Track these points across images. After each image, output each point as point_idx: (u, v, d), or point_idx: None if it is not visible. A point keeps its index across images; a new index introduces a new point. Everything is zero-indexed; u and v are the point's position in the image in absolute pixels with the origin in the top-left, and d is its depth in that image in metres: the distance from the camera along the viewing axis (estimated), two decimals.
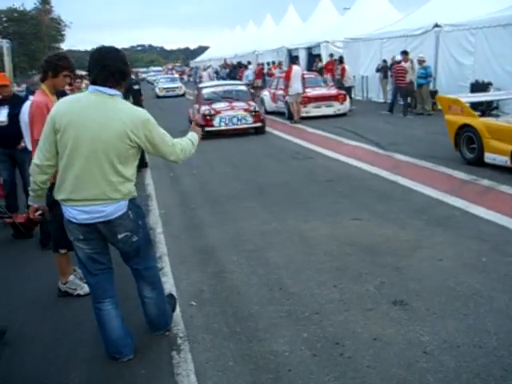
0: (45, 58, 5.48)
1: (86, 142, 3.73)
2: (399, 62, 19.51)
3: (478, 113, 14.09)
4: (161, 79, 43.67)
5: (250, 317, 4.70)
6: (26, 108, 5.99)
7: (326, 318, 4.60)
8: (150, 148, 3.91)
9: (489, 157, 9.69)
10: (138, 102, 11.98)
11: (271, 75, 27.94)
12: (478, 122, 10.08)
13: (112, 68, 3.82)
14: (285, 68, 26.73)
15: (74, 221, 3.88)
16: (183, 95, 38.75)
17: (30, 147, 5.72)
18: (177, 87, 39.73)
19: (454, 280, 5.19)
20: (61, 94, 6.60)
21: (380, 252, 6.03)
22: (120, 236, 3.97)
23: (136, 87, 13.48)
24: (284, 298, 5.03)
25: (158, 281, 4.47)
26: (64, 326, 4.81)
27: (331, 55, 23.11)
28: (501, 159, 9.41)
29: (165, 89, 39.22)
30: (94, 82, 3.86)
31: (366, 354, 4.00)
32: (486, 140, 9.74)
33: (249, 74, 26.66)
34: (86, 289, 5.40)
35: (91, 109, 3.79)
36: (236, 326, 4.56)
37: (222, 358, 4.08)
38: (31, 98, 5.78)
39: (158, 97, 38.13)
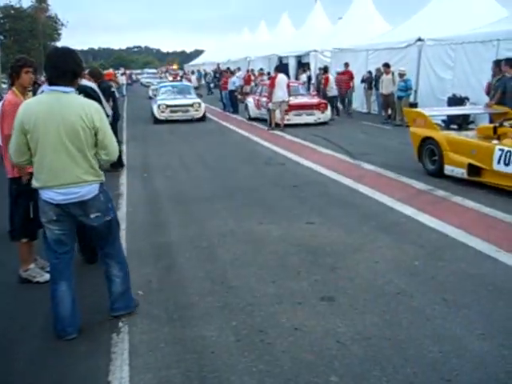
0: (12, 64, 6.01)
1: (53, 136, 4.29)
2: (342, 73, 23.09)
3: (455, 126, 14.63)
4: (162, 88, 25.33)
5: (189, 306, 5.15)
6: None
7: (258, 309, 5.04)
8: (100, 136, 4.41)
9: (448, 169, 10.14)
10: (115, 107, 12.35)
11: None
12: (439, 135, 10.54)
13: (65, 68, 4.38)
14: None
15: (52, 201, 4.40)
16: (203, 119, 22.79)
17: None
18: (192, 104, 22.61)
19: (382, 280, 5.64)
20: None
21: (322, 253, 6.47)
22: (92, 216, 4.53)
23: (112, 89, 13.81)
24: (223, 290, 5.48)
25: (124, 262, 5.00)
26: (20, 309, 5.27)
27: (346, 64, 23.50)
28: (458, 171, 9.86)
29: (170, 107, 22.29)
30: (49, 82, 4.43)
31: (284, 341, 4.44)
32: (445, 152, 10.19)
33: (235, 80, 26.94)
34: (45, 276, 5.85)
35: (52, 106, 4.33)
36: (174, 313, 5.00)
37: (155, 340, 4.53)
38: None
39: (157, 121, 22.13)
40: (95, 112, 4.40)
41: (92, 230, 4.68)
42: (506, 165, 8.82)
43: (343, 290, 5.40)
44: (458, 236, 7.00)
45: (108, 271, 4.87)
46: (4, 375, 4.15)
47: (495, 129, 9.51)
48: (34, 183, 4.50)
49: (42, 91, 4.79)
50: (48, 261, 4.75)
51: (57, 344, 4.56)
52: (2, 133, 5.87)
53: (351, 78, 23.11)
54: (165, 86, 25.88)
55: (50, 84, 4.41)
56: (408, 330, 4.60)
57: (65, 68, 4.36)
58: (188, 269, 6.13)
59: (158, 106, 22.36)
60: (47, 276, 5.83)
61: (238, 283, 5.65)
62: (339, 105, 23.36)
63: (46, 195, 4.41)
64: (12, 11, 67.83)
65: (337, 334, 4.54)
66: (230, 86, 26.41)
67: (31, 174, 5.70)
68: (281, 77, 19.14)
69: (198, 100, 23.17)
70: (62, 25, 74.25)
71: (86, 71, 10.14)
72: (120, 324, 4.81)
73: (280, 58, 34.82)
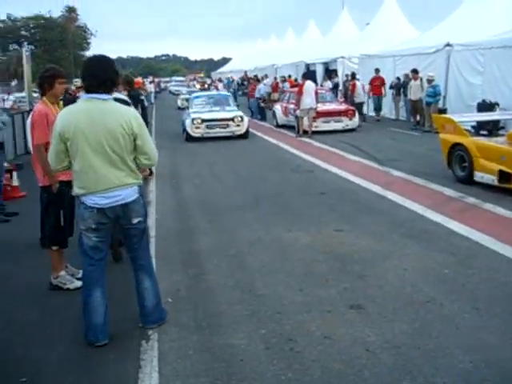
0: (40, 76, 6.12)
1: (93, 143, 4.40)
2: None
3: (485, 132, 14.49)
4: (195, 99, 21.36)
5: (217, 314, 5.16)
6: None
7: (286, 317, 5.03)
8: (139, 142, 4.51)
9: (478, 175, 10.04)
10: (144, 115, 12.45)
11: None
12: (469, 141, 10.44)
13: (103, 77, 4.49)
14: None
15: (97, 206, 4.49)
16: (245, 136, 19.22)
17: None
18: (232, 118, 19.08)
19: (412, 288, 5.60)
20: (71, 101, 7.20)
21: (350, 261, 6.45)
22: (134, 221, 4.65)
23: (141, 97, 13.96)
24: (252, 298, 5.49)
25: (153, 271, 5.07)
26: (50, 315, 5.34)
27: (377, 70, 23.43)
28: (488, 178, 9.76)
29: (206, 122, 18.91)
30: (87, 90, 4.54)
31: (313, 350, 4.43)
32: (475, 159, 10.10)
33: (261, 87, 26.94)
34: (75, 283, 5.95)
35: (91, 113, 4.44)
36: (202, 321, 5.02)
37: (184, 347, 4.55)
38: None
39: (190, 138, 18.84)
40: (134, 119, 4.50)
41: (132, 237, 4.76)
42: None
43: (372, 298, 5.37)
44: (489, 243, 6.92)
45: (140, 285, 4.92)
46: (36, 381, 4.19)
47: None
48: (77, 191, 4.58)
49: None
50: (83, 268, 4.80)
51: (87, 350, 4.60)
52: (32, 142, 5.98)
53: (382, 83, 23.11)
54: (199, 97, 21.77)
55: (88, 92, 4.49)
56: (438, 338, 4.55)
57: (104, 76, 4.46)
58: (216, 277, 6.15)
59: (192, 120, 18.65)
60: (78, 283, 5.93)
61: (266, 291, 5.65)
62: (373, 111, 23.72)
63: (91, 201, 4.49)
64: (42, 21, 68.98)
65: (366, 342, 4.52)
66: (256, 94, 26.52)
67: (61, 182, 5.84)
68: (308, 84, 19.16)
69: (240, 113, 19.39)
70: (91, 34, 75.33)
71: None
72: (149, 332, 4.83)
73: (307, 65, 34.82)
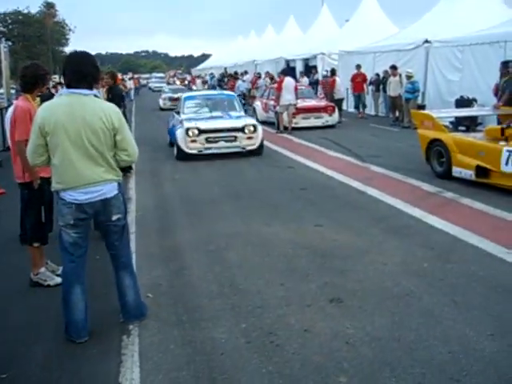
0: (30, 73, 5.97)
1: (73, 138, 4.37)
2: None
3: (463, 128, 14.61)
4: (187, 101, 15.98)
5: (198, 308, 5.18)
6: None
7: (267, 311, 5.06)
8: (119, 137, 4.50)
9: (456, 170, 10.14)
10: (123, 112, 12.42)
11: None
12: (447, 136, 10.54)
13: (84, 72, 4.48)
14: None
15: (76, 202, 4.48)
16: (259, 151, 14.45)
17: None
18: (242, 128, 14.13)
19: (391, 282, 5.65)
20: (47, 97, 7.18)
21: (330, 256, 6.49)
22: (114, 217, 4.65)
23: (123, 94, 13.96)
24: (232, 293, 5.51)
25: (133, 268, 5.09)
26: (31, 312, 5.31)
27: (358, 66, 23.31)
28: (466, 173, 9.86)
29: (205, 134, 13.94)
30: (68, 85, 4.51)
31: (294, 343, 4.46)
32: (453, 154, 10.19)
33: (240, 84, 26.91)
34: (55, 280, 5.93)
35: (72, 108, 4.42)
36: (183, 315, 5.04)
37: (165, 342, 4.56)
38: None
39: (183, 155, 13.97)
40: (114, 114, 4.49)
41: (112, 234, 4.75)
42: None
43: (352, 292, 5.42)
44: (467, 237, 7.00)
45: (120, 282, 4.91)
46: (18, 378, 4.18)
47: (503, 130, 9.50)
48: (56, 186, 4.55)
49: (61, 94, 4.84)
50: (63, 265, 4.78)
51: (68, 347, 4.59)
52: (13, 139, 5.93)
53: (364, 80, 23.21)
54: (193, 97, 16.23)
55: (69, 87, 4.47)
56: (417, 331, 4.61)
57: (85, 72, 4.45)
58: (197, 271, 6.16)
59: (186, 130, 13.61)
60: (58, 279, 5.91)
61: (247, 286, 5.67)
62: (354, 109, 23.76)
63: (70, 196, 4.47)
64: (20, 17, 68.36)
65: (346, 335, 4.56)
66: (236, 91, 26.25)
67: (42, 178, 5.81)
68: (288, 80, 19.18)
69: (252, 120, 14.80)
70: (70, 30, 74.79)
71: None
72: (130, 327, 4.84)
73: (287, 61, 34.86)
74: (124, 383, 4.01)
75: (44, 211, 6.11)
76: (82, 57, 4.61)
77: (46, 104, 4.64)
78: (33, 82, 5.98)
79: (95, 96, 4.61)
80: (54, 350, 4.57)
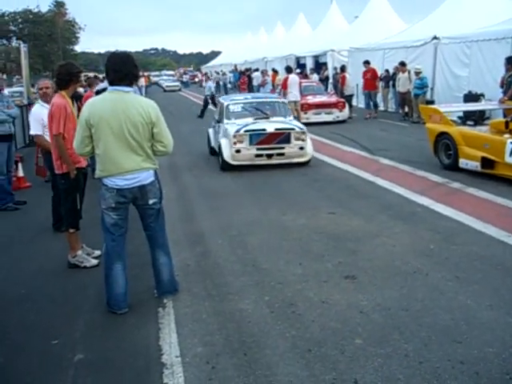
0: (65, 70, 6.58)
1: (116, 130, 4.91)
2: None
3: (471, 122, 15.06)
4: (230, 106, 13.48)
5: (225, 284, 5.72)
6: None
7: (287, 286, 5.60)
8: (156, 130, 5.02)
9: (462, 162, 10.61)
10: None
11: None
12: (454, 130, 11.01)
13: (125, 71, 5.01)
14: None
15: (116, 187, 5.00)
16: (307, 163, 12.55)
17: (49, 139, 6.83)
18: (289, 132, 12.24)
19: (400, 261, 6.17)
20: (75, 95, 7.75)
21: (343, 239, 7.02)
22: (151, 201, 5.18)
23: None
24: (254, 271, 6.05)
25: (168, 247, 5.60)
26: (71, 289, 5.86)
27: (367, 62, 22.41)
28: (472, 164, 10.33)
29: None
30: (111, 83, 5.05)
31: (313, 313, 4.99)
32: (460, 147, 10.67)
33: (210, 85, 26.20)
34: (91, 262, 6.50)
35: (115, 103, 4.96)
36: (212, 290, 5.58)
37: (197, 312, 5.10)
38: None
39: (227, 166, 12.19)
40: (152, 109, 5.01)
41: (148, 216, 5.28)
42: None
43: (364, 270, 5.94)
44: (471, 223, 7.50)
45: (156, 260, 5.45)
46: (67, 344, 4.70)
47: (507, 123, 9.96)
48: (99, 173, 5.07)
49: (100, 90, 5.35)
50: (105, 243, 5.28)
51: (110, 317, 5.14)
52: (51, 133, 6.49)
53: (374, 76, 22.54)
54: (236, 102, 13.65)
55: (112, 85, 5.00)
56: (423, 302, 5.12)
57: (125, 71, 4.97)
58: (221, 253, 6.72)
59: (233, 137, 11.81)
60: (94, 261, 6.49)
61: (268, 265, 6.21)
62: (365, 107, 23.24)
63: (112, 182, 5.00)
64: (31, 16, 68.95)
65: (359, 306, 5.08)
66: (207, 91, 26.08)
67: (77, 168, 6.38)
68: (292, 77, 19.70)
69: (300, 126, 12.56)
70: (80, 28, 75.27)
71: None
72: (165, 300, 5.37)
73: (297, 58, 35.33)
74: (164, 346, 4.53)
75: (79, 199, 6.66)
76: (122, 57, 5.11)
77: (92, 100, 5.20)
78: (67, 80, 6.55)
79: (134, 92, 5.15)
80: (97, 321, 5.10)
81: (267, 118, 12.79)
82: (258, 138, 11.80)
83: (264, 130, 11.87)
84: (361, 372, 4.01)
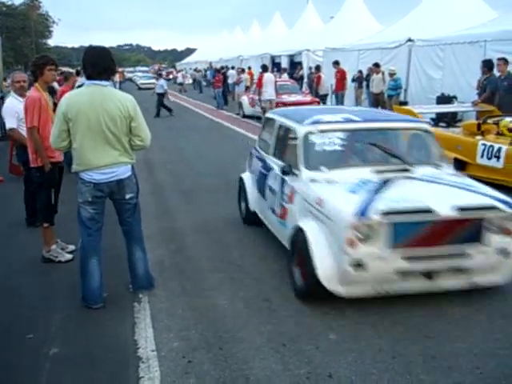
0: (33, 63, 6.62)
1: (93, 124, 4.89)
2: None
3: (443, 124, 15.25)
4: (316, 146, 5.96)
5: (200, 280, 5.76)
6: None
7: (262, 282, 5.66)
8: (134, 124, 5.03)
9: None
10: None
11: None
12: None
13: (103, 65, 5.00)
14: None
15: (93, 181, 4.99)
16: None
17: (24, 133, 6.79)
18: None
19: None
20: (50, 90, 7.69)
21: None
22: (128, 196, 5.19)
23: None
24: (230, 267, 6.10)
25: (143, 242, 5.60)
26: (46, 284, 5.83)
27: (337, 62, 22.44)
28: None
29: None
30: (89, 77, 5.04)
31: (288, 308, 5.06)
32: None
33: (163, 83, 25.92)
34: (66, 256, 6.48)
35: (93, 97, 4.94)
36: (187, 285, 5.62)
37: (173, 307, 5.14)
38: None
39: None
40: (130, 103, 5.01)
41: (125, 211, 5.29)
42: (489, 158, 9.46)
43: None
44: None
45: (132, 255, 5.46)
46: (42, 338, 4.68)
47: (479, 125, 10.13)
48: (76, 167, 5.06)
49: (81, 85, 5.34)
50: (81, 237, 5.26)
51: (84, 312, 5.13)
52: (26, 125, 6.45)
53: (343, 77, 22.49)
54: (329, 125, 6.09)
55: (89, 79, 4.99)
56: (397, 299, 5.18)
57: (103, 65, 4.97)
58: (196, 250, 6.76)
59: (355, 227, 4.69)
60: (68, 256, 6.47)
61: (243, 262, 6.27)
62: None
63: (89, 176, 4.99)
64: (4, 8, 67.95)
65: (334, 301, 5.09)
66: (158, 89, 24.86)
67: (52, 163, 6.34)
68: (267, 76, 19.79)
69: (502, 197, 5.16)
70: (54, 22, 74.38)
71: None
72: (140, 295, 5.39)
73: (273, 57, 35.40)
74: (140, 340, 4.55)
75: (53, 194, 6.62)
76: (100, 51, 5.10)
77: (70, 93, 5.19)
78: (34, 71, 6.53)
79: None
80: (72, 315, 5.09)
81: (406, 169, 5.78)
82: (414, 233, 4.87)
83: (429, 210, 4.84)
84: (335, 366, 4.08)
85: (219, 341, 4.49)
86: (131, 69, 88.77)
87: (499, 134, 9.79)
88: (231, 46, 51.10)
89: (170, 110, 24.56)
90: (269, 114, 7.99)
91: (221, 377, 3.98)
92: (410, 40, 21.14)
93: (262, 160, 7.21)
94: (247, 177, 7.81)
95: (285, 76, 28.52)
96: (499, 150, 9.41)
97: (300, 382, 3.90)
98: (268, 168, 6.79)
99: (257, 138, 8.36)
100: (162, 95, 24.53)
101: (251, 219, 7.46)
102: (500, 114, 10.91)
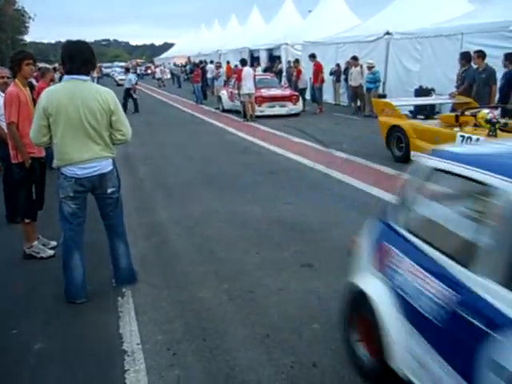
0: (11, 59, 6.68)
1: (74, 119, 4.88)
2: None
3: (422, 116, 15.38)
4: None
5: (184, 274, 5.78)
6: None
7: (245, 274, 5.69)
8: (114, 118, 5.02)
9: (414, 155, 10.86)
10: None
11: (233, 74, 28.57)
12: (406, 123, 11.28)
13: (82, 59, 4.98)
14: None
15: (75, 176, 4.97)
16: None
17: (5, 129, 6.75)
18: None
19: None
20: (29, 85, 7.63)
21: (300, 229, 7.14)
22: (109, 190, 5.18)
23: None
24: (213, 261, 6.13)
25: (126, 236, 5.60)
26: (29, 280, 5.81)
27: (313, 55, 22.28)
28: None
29: None
30: (68, 72, 5.00)
31: (271, 299, 5.10)
32: (411, 140, 10.93)
33: (131, 77, 25.08)
34: (48, 252, 6.45)
35: (73, 92, 4.92)
36: (171, 280, 5.63)
37: (156, 301, 5.16)
38: None
39: None
40: (110, 97, 5.01)
41: (107, 205, 5.28)
42: None
43: (320, 259, 6.07)
44: None
45: (114, 249, 5.47)
46: (26, 333, 4.68)
47: (457, 117, 10.24)
48: (57, 162, 5.04)
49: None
50: (63, 233, 5.25)
51: (68, 307, 5.13)
52: (5, 121, 6.41)
53: (319, 70, 22.38)
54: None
55: (69, 73, 4.96)
56: None
57: (83, 59, 4.95)
58: (179, 244, 6.78)
59: None
60: (50, 252, 6.45)
61: (226, 255, 6.30)
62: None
63: (70, 171, 4.98)
64: None
65: (317, 292, 5.20)
66: (127, 84, 24.86)
67: (32, 158, 6.31)
68: (247, 70, 19.82)
69: None
70: (30, 18, 73.47)
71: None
72: (124, 290, 5.40)
73: (251, 51, 35.39)
74: (125, 334, 4.57)
75: (35, 189, 6.59)
76: (79, 45, 5.09)
77: (49, 88, 5.18)
78: (12, 67, 6.51)
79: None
80: (56, 311, 5.10)
81: None
82: None
83: None
84: (319, 355, 4.13)
85: (203, 333, 4.52)
86: (109, 64, 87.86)
87: (476, 125, 9.89)
88: (209, 40, 50.99)
89: (137, 106, 24.39)
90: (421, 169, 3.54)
91: (205, 368, 4.02)
92: (387, 33, 21.28)
93: (446, 276, 2.97)
94: (380, 295, 3.58)
95: (259, 70, 28.49)
96: (477, 141, 9.52)
97: (284, 372, 3.95)
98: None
99: (392, 205, 4.20)
100: (129, 90, 24.39)
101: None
102: (477, 105, 11.04)
